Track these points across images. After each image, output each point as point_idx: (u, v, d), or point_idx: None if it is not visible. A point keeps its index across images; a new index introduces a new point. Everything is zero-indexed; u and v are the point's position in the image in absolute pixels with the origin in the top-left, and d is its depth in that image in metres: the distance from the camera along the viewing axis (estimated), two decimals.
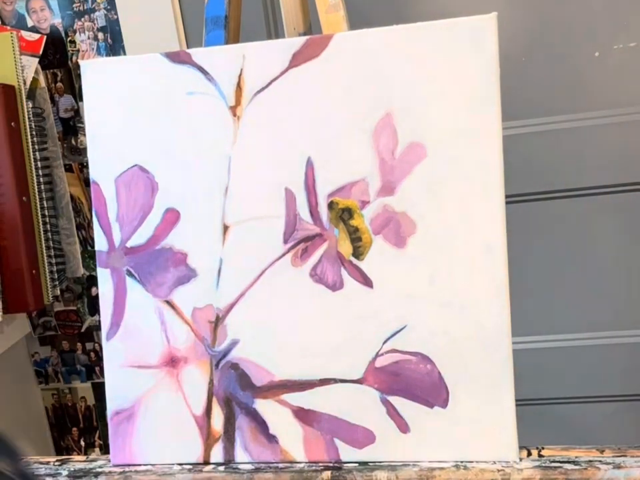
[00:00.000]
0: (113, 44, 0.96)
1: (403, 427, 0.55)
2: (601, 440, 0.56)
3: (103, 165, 0.59)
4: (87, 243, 1.04)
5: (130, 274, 0.59)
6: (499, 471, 0.52)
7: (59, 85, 0.99)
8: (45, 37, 0.95)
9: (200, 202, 0.57)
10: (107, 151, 0.59)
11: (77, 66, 0.97)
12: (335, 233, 0.55)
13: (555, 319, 0.96)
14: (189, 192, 0.58)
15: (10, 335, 0.99)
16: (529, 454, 0.54)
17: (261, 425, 0.57)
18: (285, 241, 0.56)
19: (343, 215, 0.55)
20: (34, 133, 0.88)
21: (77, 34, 0.96)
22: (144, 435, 0.59)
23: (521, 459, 0.53)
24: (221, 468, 0.57)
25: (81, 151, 1.01)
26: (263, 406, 0.57)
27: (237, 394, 0.57)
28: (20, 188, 0.86)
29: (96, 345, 1.08)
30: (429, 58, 0.53)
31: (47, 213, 0.90)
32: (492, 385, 0.53)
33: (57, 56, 0.98)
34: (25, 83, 0.87)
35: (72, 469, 0.60)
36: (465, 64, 0.52)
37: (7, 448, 0.46)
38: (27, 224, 0.86)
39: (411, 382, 0.55)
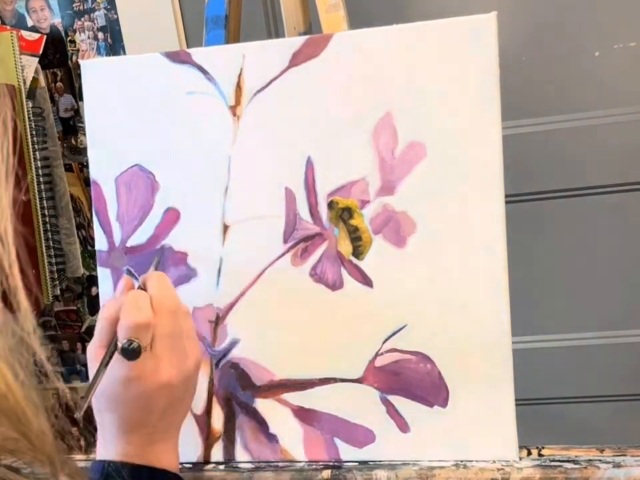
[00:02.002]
0: (113, 44, 0.96)
1: (403, 426, 0.55)
2: (600, 439, 0.56)
3: (103, 165, 0.59)
4: (87, 242, 1.03)
5: (130, 273, 0.59)
6: (498, 470, 0.52)
7: (59, 84, 0.99)
8: (45, 36, 0.95)
9: (200, 201, 0.57)
10: (107, 150, 0.59)
11: (77, 66, 0.97)
12: (334, 233, 0.55)
13: (555, 318, 0.96)
14: (189, 191, 0.58)
15: None
16: (529, 453, 0.54)
17: (261, 424, 0.57)
18: (285, 241, 0.56)
19: (343, 215, 0.55)
20: (34, 132, 0.88)
21: (77, 34, 0.96)
22: None
23: (520, 458, 0.53)
24: (221, 467, 0.57)
25: (81, 151, 1.00)
26: (263, 405, 0.57)
27: (237, 393, 0.57)
28: (20, 188, 0.86)
29: None
30: (429, 57, 0.53)
31: (47, 213, 0.90)
32: (492, 385, 0.53)
33: (57, 56, 0.98)
34: (24, 83, 0.87)
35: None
36: (465, 64, 0.52)
37: None
38: (27, 224, 0.86)
39: (410, 381, 0.54)
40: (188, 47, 0.92)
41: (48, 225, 0.90)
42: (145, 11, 0.93)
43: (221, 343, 0.58)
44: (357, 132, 0.54)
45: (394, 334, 0.55)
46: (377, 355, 0.55)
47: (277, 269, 0.56)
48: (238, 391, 0.57)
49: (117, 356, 0.46)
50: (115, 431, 0.48)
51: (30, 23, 0.97)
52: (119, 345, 0.45)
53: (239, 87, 0.56)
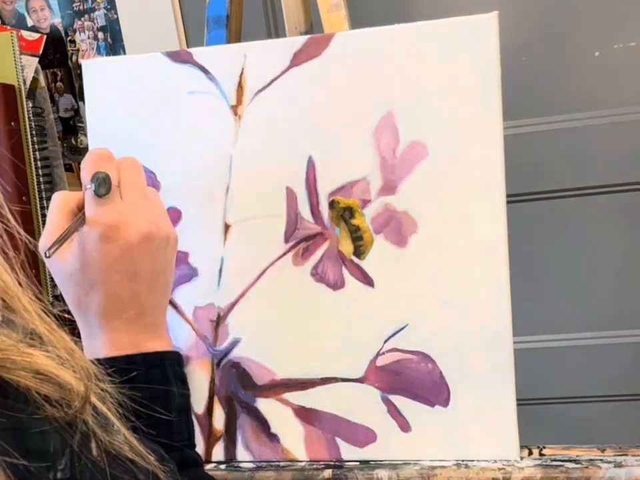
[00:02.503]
0: (113, 44, 0.96)
1: (404, 425, 0.55)
2: (602, 439, 0.56)
3: None
4: None
5: None
6: (500, 469, 0.52)
7: (59, 84, 0.99)
8: (45, 36, 0.95)
9: (201, 201, 0.57)
10: None
11: (77, 65, 0.97)
12: (336, 232, 0.55)
13: (555, 318, 0.96)
14: (190, 191, 0.57)
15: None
16: (530, 453, 0.54)
17: (262, 423, 0.57)
18: (286, 240, 0.56)
19: (344, 214, 0.55)
20: (34, 132, 0.88)
21: (77, 33, 0.96)
22: None
23: (522, 458, 0.53)
24: (223, 466, 0.57)
25: (81, 151, 1.01)
26: (264, 405, 0.57)
27: (238, 393, 0.57)
28: (20, 188, 0.86)
29: None
30: (430, 57, 0.53)
31: (47, 213, 0.90)
32: (493, 384, 0.53)
33: (57, 55, 0.98)
34: (25, 83, 0.87)
35: None
36: (466, 63, 0.52)
37: None
38: (27, 224, 0.86)
39: (412, 381, 0.54)
40: (188, 47, 0.92)
41: None
42: (145, 11, 0.93)
43: (222, 342, 0.58)
44: (358, 131, 0.54)
45: (395, 333, 0.55)
46: (378, 354, 0.55)
47: (278, 268, 0.56)
48: (239, 390, 0.57)
49: (89, 214, 0.44)
50: (102, 319, 0.44)
51: (30, 23, 0.97)
52: (89, 184, 0.44)
53: (240, 87, 0.56)
